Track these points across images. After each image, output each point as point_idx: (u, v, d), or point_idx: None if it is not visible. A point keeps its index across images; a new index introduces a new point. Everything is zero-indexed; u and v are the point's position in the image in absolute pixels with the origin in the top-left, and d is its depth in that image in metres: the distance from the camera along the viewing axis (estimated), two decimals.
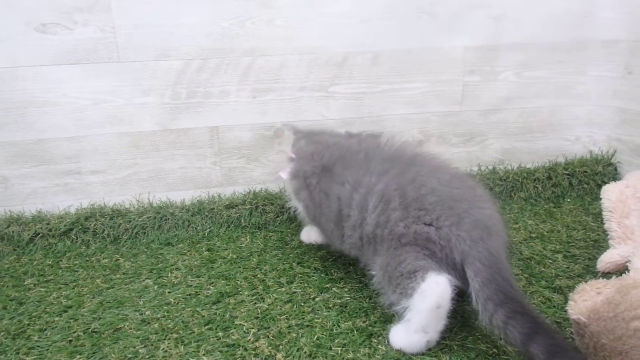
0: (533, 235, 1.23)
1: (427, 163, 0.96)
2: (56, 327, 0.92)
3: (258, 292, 1.01)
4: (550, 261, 1.10)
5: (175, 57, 1.30)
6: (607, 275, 1.03)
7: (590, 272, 1.06)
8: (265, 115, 1.39)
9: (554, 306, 0.94)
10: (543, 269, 1.07)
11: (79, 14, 1.22)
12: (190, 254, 1.20)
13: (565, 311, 0.88)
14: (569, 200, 1.44)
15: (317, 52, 1.35)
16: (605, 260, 1.03)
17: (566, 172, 1.49)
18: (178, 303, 0.99)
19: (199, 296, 1.01)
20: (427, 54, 1.41)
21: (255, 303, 0.97)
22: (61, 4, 1.21)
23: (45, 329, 0.92)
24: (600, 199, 1.16)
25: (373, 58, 1.39)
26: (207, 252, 1.21)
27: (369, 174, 0.95)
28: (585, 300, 0.81)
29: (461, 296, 0.82)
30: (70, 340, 0.88)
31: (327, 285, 1.03)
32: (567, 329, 0.87)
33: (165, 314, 0.95)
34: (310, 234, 1.22)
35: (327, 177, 1.03)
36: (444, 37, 1.42)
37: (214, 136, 1.39)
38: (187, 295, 1.02)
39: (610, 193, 1.15)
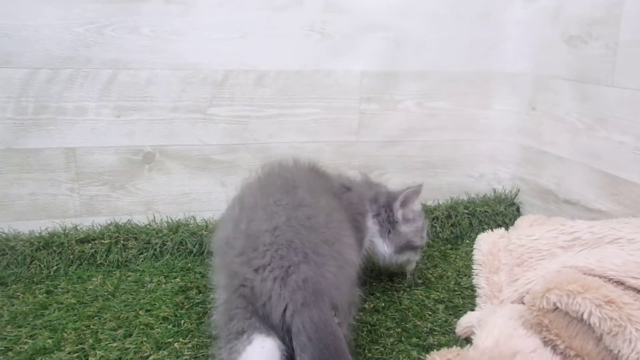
0: (419, 281, 1.16)
1: (299, 192, 0.87)
2: None
3: (83, 348, 0.88)
4: (430, 313, 1.03)
5: (18, 64, 1.16)
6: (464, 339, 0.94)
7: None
8: (132, 137, 1.27)
9: None
10: (419, 323, 0.99)
11: None
12: (23, 298, 1.05)
13: None
14: (467, 241, 1.40)
15: (192, 68, 1.26)
16: (463, 324, 0.95)
17: (467, 211, 1.45)
18: None
19: (9, 353, 0.86)
20: (319, 77, 1.35)
21: None
22: None
23: None
24: (473, 248, 1.12)
25: (257, 78, 1.30)
26: (43, 295, 1.06)
27: (257, 192, 0.90)
28: None
29: None
30: None
31: (169, 340, 0.90)
32: None
33: None
34: None
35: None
36: (338, 60, 1.36)
37: (71, 159, 1.25)
38: None
39: (482, 244, 1.12)
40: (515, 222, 1.29)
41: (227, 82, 1.29)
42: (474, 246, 1.13)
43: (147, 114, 1.26)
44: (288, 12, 1.28)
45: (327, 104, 1.38)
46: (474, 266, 1.09)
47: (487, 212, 1.45)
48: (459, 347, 0.83)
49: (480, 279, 1.06)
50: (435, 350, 0.83)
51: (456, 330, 0.95)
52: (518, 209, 1.49)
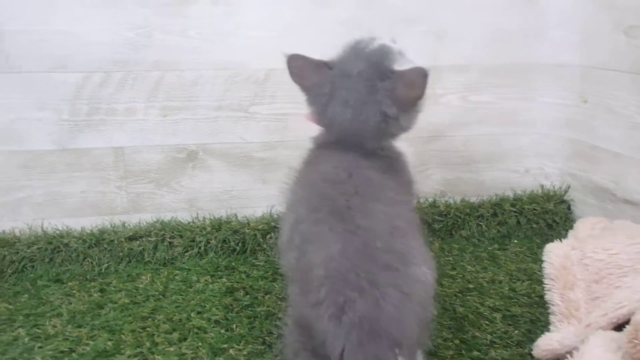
0: (471, 286, 1.17)
1: (353, 214, 0.75)
2: None
3: (142, 352, 0.93)
4: (487, 322, 1.03)
5: (73, 68, 1.22)
6: None
7: (531, 339, 0.97)
8: (177, 136, 1.32)
9: None
10: (477, 334, 1.00)
11: None
12: (79, 295, 1.12)
13: None
14: (515, 241, 1.40)
15: (235, 67, 1.29)
16: (542, 346, 0.91)
17: (514, 209, 1.44)
18: None
19: (73, 354, 0.93)
20: None
21: None
22: None
23: None
24: (543, 260, 1.07)
25: None
26: (98, 293, 1.13)
27: (305, 202, 0.81)
28: None
29: None
30: None
31: (224, 346, 0.95)
32: None
33: None
34: None
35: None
36: None
37: (119, 157, 1.30)
38: (60, 352, 0.93)
39: (553, 257, 1.04)
40: (575, 225, 1.24)
41: (269, 80, 1.31)
42: (543, 258, 1.06)
43: (191, 114, 1.30)
44: (328, 8, 1.30)
45: None
46: (545, 280, 1.03)
47: (536, 210, 1.44)
48: None
49: (554, 295, 0.99)
50: None
51: (534, 352, 0.93)
52: (569, 207, 1.48)
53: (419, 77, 0.83)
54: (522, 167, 1.54)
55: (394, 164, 0.89)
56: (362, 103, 0.84)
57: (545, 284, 1.02)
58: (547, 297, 1.01)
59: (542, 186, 1.53)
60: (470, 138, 1.48)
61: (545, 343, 0.91)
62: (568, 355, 0.84)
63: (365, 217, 0.75)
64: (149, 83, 1.26)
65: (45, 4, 1.18)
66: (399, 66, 0.86)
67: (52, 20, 1.19)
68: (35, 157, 1.27)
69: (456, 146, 1.48)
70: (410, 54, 1.32)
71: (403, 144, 0.92)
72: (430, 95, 1.38)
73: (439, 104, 1.43)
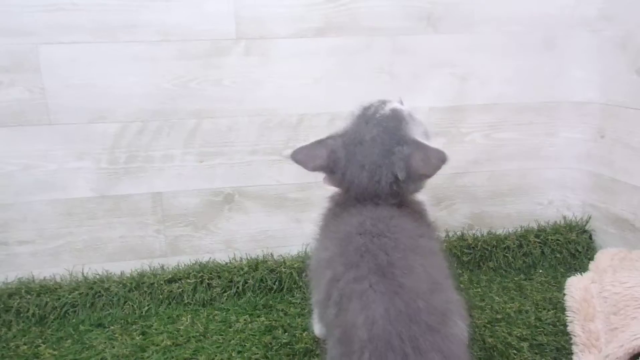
0: (499, 316, 1.22)
1: (396, 272, 0.76)
2: None
3: None
4: (515, 352, 1.09)
5: (112, 119, 1.29)
6: None
7: None
8: (214, 181, 1.38)
9: None
10: None
11: (4, 73, 1.22)
12: (121, 339, 1.17)
13: None
14: (540, 271, 1.45)
15: (269, 113, 1.36)
16: None
17: (538, 239, 1.50)
18: None
19: None
20: None
21: None
22: None
23: None
24: (564, 293, 1.16)
25: (330, 120, 1.40)
26: (139, 336, 1.18)
27: (339, 258, 0.80)
28: None
29: None
30: None
31: None
32: None
33: None
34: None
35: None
36: (406, 98, 1.43)
37: (157, 202, 1.37)
38: None
39: (574, 290, 1.15)
40: (595, 256, 1.32)
41: (301, 124, 1.39)
42: (565, 291, 1.16)
43: (227, 158, 1.37)
44: (358, 56, 1.37)
45: None
46: (567, 313, 1.13)
47: (559, 240, 1.49)
48: None
49: (575, 327, 1.09)
50: None
51: None
52: (590, 237, 1.53)
53: (438, 161, 0.86)
54: (546, 199, 1.59)
55: (420, 212, 0.94)
56: (377, 166, 0.88)
57: (567, 316, 1.11)
58: (569, 328, 1.11)
59: (564, 217, 1.59)
60: (495, 173, 1.54)
61: None
62: None
63: (406, 275, 0.75)
64: (186, 130, 1.34)
65: (88, 59, 1.26)
66: (413, 130, 0.92)
67: (93, 74, 1.27)
68: (75, 204, 1.34)
69: (481, 181, 1.54)
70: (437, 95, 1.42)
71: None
72: (455, 135, 1.48)
73: (464, 142, 1.50)
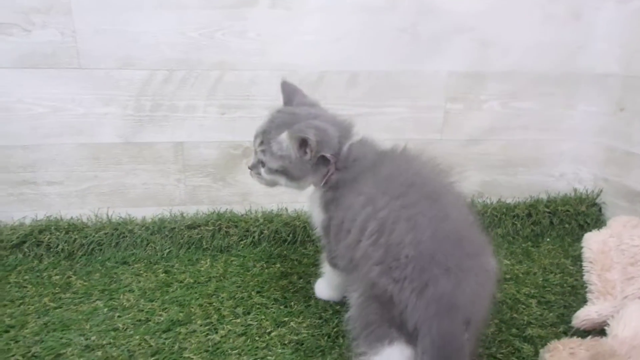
0: (507, 276, 1.29)
1: (441, 204, 0.86)
2: None
3: (211, 322, 1.06)
4: (523, 307, 1.16)
5: (140, 66, 1.35)
6: (582, 332, 1.05)
7: (564, 321, 1.10)
8: (234, 133, 1.44)
9: (524, 358, 0.99)
10: (515, 315, 1.12)
11: (36, 15, 1.27)
12: (146, 276, 1.25)
13: None
14: (548, 239, 1.51)
15: (290, 69, 1.41)
16: (582, 316, 1.06)
17: (547, 210, 1.56)
18: (126, 329, 1.03)
19: (149, 323, 1.06)
20: (407, 77, 1.48)
21: (208, 334, 1.02)
22: (17, 4, 1.26)
23: None
24: (582, 246, 1.22)
25: (349, 79, 1.45)
26: (163, 274, 1.25)
27: (383, 195, 0.88)
28: None
29: None
30: None
31: (285, 319, 1.08)
32: None
33: (112, 340, 0.99)
34: (324, 288, 1.18)
35: (352, 182, 0.97)
36: (426, 61, 1.49)
37: (179, 152, 1.44)
38: (137, 320, 1.06)
39: (592, 243, 1.21)
40: (608, 223, 1.37)
41: (321, 82, 1.44)
42: (583, 244, 1.23)
43: (248, 112, 1.43)
44: (382, 15, 1.42)
45: (413, 103, 1.51)
46: (584, 264, 1.20)
47: (569, 211, 1.55)
48: (579, 339, 0.94)
49: (592, 276, 1.15)
50: (537, 339, 0.97)
51: (573, 323, 1.07)
52: (600, 210, 1.59)
53: None
54: (558, 171, 1.65)
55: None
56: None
57: (584, 267, 1.18)
58: (585, 277, 1.17)
59: (575, 190, 1.64)
60: (510, 142, 1.59)
61: (584, 314, 1.06)
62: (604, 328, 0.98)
63: (451, 207, 0.86)
64: (209, 82, 1.40)
65: (117, 5, 1.31)
66: None
67: (123, 21, 1.32)
68: (102, 149, 1.40)
69: (495, 150, 1.60)
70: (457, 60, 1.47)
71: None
72: (473, 101, 1.53)
73: (481, 110, 1.55)
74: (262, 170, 1.03)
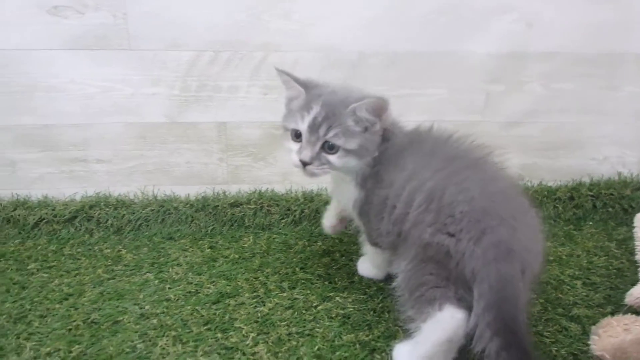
0: (551, 258, 1.29)
1: (485, 169, 0.94)
2: (56, 314, 1.02)
3: (259, 295, 1.10)
4: (568, 287, 1.16)
5: (187, 47, 1.39)
6: (633, 310, 1.05)
7: (612, 302, 1.11)
8: (276, 114, 1.45)
9: (571, 337, 1.00)
10: (560, 295, 1.13)
11: None
12: (192, 251, 1.29)
13: (584, 343, 0.95)
14: (590, 223, 1.50)
15: (332, 50, 1.43)
16: (635, 294, 1.05)
17: (590, 193, 1.55)
18: (178, 300, 1.08)
19: (199, 294, 1.10)
20: (448, 58, 1.49)
21: (256, 306, 1.06)
22: None
23: (46, 316, 1.02)
24: (633, 226, 1.22)
25: (390, 60, 1.46)
26: (209, 249, 1.30)
27: (427, 169, 0.92)
28: (611, 337, 0.85)
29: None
30: (70, 329, 0.98)
31: (330, 294, 1.11)
32: None
33: (165, 310, 1.04)
34: (368, 266, 1.20)
35: (391, 160, 0.99)
36: (467, 42, 1.49)
37: (222, 132, 1.48)
38: (187, 292, 1.11)
39: None
40: None
41: (361, 63, 1.45)
42: (635, 223, 1.23)
43: None
44: None
45: (453, 85, 1.52)
46: (636, 243, 1.20)
47: (613, 194, 1.54)
48: (633, 315, 0.95)
49: None
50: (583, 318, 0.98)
51: (626, 300, 1.07)
52: None
53: None
54: (601, 154, 1.63)
55: None
56: None
57: (635, 246, 1.18)
58: (637, 257, 1.17)
59: (619, 174, 1.63)
60: (551, 125, 1.59)
61: (638, 291, 1.05)
62: None
63: (496, 172, 0.95)
64: (253, 63, 1.42)
65: None
66: None
67: (172, 3, 1.35)
68: (148, 128, 1.45)
69: (536, 132, 1.59)
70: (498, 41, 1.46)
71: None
72: (513, 83, 1.52)
73: (522, 92, 1.54)
74: (333, 157, 0.98)
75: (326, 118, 0.96)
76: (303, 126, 0.98)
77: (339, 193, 1.11)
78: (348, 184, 1.04)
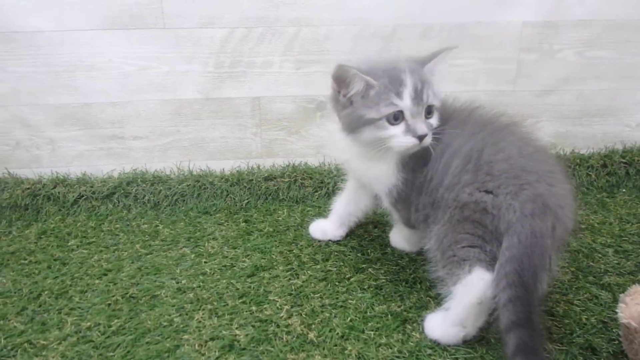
0: (582, 226, 1.22)
1: (517, 133, 0.90)
2: (96, 289, 0.99)
3: (293, 268, 1.05)
4: (600, 255, 1.10)
5: (220, 24, 1.33)
6: None
7: None
8: (309, 87, 1.41)
9: (601, 304, 0.94)
10: (592, 264, 1.07)
11: None
12: (228, 225, 1.25)
13: (614, 311, 0.89)
14: (624, 190, 1.42)
15: (364, 23, 1.36)
16: None
17: (623, 160, 1.45)
18: (214, 274, 1.04)
19: (234, 268, 1.06)
20: (480, 28, 1.39)
21: (290, 279, 1.02)
22: None
23: (86, 291, 0.99)
24: None
25: (422, 32, 1.38)
26: (244, 223, 1.26)
27: (461, 136, 0.89)
28: (638, 304, 0.80)
29: None
30: (109, 304, 0.95)
31: (363, 266, 1.06)
32: (613, 330, 0.87)
33: (201, 284, 1.00)
34: (400, 239, 1.14)
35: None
36: (499, 11, 1.39)
37: (256, 107, 1.42)
38: (223, 266, 1.07)
39: None
40: None
41: (395, 35, 1.38)
42: None
43: (322, 67, 1.39)
44: None
45: (486, 55, 1.42)
46: None
47: None
48: None
49: None
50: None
51: None
52: None
53: None
54: (634, 121, 1.53)
55: None
56: None
57: None
58: None
59: None
60: (584, 92, 1.48)
61: None
62: None
63: (527, 136, 0.91)
64: (286, 38, 1.36)
65: None
66: None
67: None
68: (183, 105, 1.40)
69: (570, 100, 1.49)
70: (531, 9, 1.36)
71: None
72: (546, 51, 1.42)
73: (555, 60, 1.44)
74: (433, 119, 0.92)
75: (423, 83, 0.90)
76: (405, 101, 0.88)
77: (370, 178, 1.01)
78: (387, 165, 0.95)
